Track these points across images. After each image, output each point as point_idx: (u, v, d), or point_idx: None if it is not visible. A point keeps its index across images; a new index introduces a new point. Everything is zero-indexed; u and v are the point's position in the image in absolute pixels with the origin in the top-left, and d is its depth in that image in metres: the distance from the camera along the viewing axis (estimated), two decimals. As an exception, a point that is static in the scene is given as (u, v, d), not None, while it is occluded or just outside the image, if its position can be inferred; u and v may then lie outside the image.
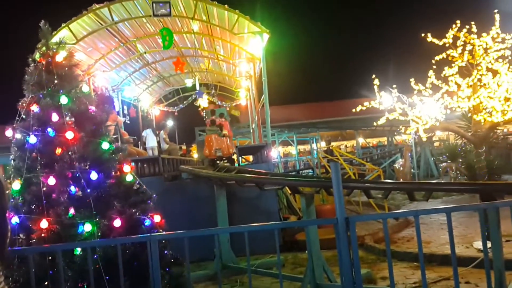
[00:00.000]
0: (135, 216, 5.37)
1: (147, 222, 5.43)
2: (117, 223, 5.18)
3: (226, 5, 13.64)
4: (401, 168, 22.86)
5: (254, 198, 12.06)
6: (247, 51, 15.87)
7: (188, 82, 20.52)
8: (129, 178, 5.67)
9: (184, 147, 25.77)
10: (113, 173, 5.58)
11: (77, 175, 5.28)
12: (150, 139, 16.42)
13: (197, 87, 20.39)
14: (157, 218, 5.64)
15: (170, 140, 19.06)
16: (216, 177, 10.52)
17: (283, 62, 32.81)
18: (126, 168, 5.68)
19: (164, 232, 5.36)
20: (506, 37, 11.29)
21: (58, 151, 5.34)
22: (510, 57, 11.62)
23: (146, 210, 5.61)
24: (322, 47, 62.66)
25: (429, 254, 9.85)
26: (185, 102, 23.48)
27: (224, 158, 14.11)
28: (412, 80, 11.82)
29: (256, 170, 10.90)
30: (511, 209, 4.08)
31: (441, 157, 24.88)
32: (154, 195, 5.91)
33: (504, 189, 5.61)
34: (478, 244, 9.96)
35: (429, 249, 10.53)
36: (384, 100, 12.47)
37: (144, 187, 5.87)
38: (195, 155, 21.91)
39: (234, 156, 14.82)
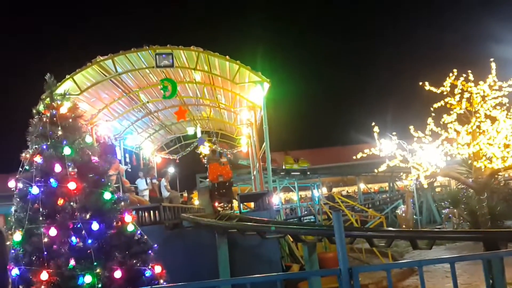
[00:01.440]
0: (136, 267, 5.34)
1: (148, 273, 5.38)
2: (117, 274, 5.14)
3: (227, 56, 13.93)
4: (404, 215, 22.73)
5: (256, 246, 11.92)
6: (248, 100, 16.09)
7: (190, 130, 20.67)
8: (130, 228, 5.66)
9: (185, 194, 25.66)
10: (114, 223, 5.58)
11: (79, 225, 5.28)
12: (140, 184, 16.45)
13: (199, 135, 20.53)
14: (158, 269, 5.60)
15: (172, 187, 19.03)
16: (218, 225, 10.46)
17: (283, 109, 33.19)
18: (128, 218, 5.68)
19: (165, 284, 5.29)
20: (503, 85, 11.48)
21: (60, 201, 5.36)
22: (508, 104, 11.78)
23: (147, 260, 5.58)
24: (322, 94, 63.44)
25: (434, 303, 9.66)
26: (186, 149, 23.58)
27: (226, 183, 15.70)
28: (411, 127, 11.97)
29: (258, 218, 10.85)
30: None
31: (443, 203, 24.73)
32: (155, 245, 5.87)
33: (508, 237, 5.59)
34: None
35: (434, 298, 10.33)
36: (384, 147, 12.55)
37: (145, 237, 5.85)
38: (196, 202, 21.82)
39: (235, 203, 14.79)
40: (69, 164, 5.51)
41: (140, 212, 12.54)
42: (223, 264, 10.60)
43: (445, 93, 11.61)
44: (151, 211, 12.82)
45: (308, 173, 31.61)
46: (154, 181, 17.40)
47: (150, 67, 14.61)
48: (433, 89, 11.75)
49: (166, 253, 6.02)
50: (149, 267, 5.50)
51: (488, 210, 12.23)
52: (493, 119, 11.34)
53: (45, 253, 5.04)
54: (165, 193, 17.09)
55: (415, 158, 11.99)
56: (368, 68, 70.12)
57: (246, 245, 11.91)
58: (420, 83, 12.10)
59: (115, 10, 68.10)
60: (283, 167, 29.35)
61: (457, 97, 11.46)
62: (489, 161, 11.19)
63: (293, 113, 45.30)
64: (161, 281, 5.54)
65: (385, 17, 75.72)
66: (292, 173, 30.50)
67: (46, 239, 5.11)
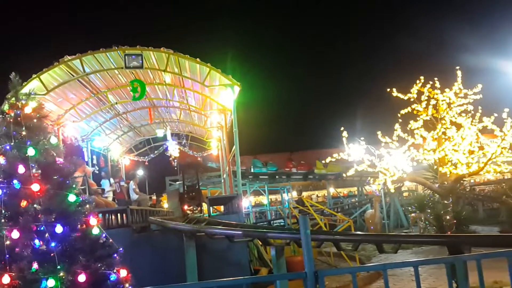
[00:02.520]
0: (100, 270, 5.24)
1: (113, 277, 5.30)
2: (81, 278, 5.04)
3: (198, 59, 13.89)
4: (371, 219, 23.03)
5: (224, 250, 11.88)
6: (219, 103, 16.06)
7: (159, 132, 20.51)
8: (95, 231, 5.57)
9: (154, 197, 25.42)
10: (79, 226, 5.47)
11: (42, 228, 5.16)
12: (104, 184, 16.21)
13: (168, 137, 20.38)
14: (123, 273, 5.51)
15: (140, 190, 18.82)
16: (185, 229, 10.39)
17: (254, 113, 33.23)
18: (93, 220, 5.58)
19: (130, 288, 5.22)
20: (468, 93, 11.78)
21: (23, 203, 5.23)
22: (472, 112, 12.08)
23: (112, 264, 5.49)
24: (292, 99, 64.01)
25: (399, 306, 9.79)
26: (156, 152, 23.38)
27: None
28: (379, 132, 12.15)
29: (226, 221, 10.82)
30: (477, 262, 4.14)
31: (410, 208, 25.15)
32: (121, 249, 5.78)
33: (471, 241, 5.71)
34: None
35: (399, 301, 10.47)
36: (353, 152, 12.70)
37: (111, 240, 5.76)
38: (165, 205, 21.65)
39: (205, 206, 14.73)
40: (33, 165, 5.38)
41: (107, 214, 12.35)
42: (191, 267, 10.53)
43: (412, 99, 11.84)
44: (118, 214, 12.64)
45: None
46: (122, 183, 17.18)
47: (119, 68, 14.45)
48: (401, 95, 11.97)
49: (132, 257, 5.95)
50: (114, 271, 5.42)
51: (454, 215, 12.50)
52: (459, 126, 11.62)
53: (7, 256, 4.91)
54: (134, 196, 16.88)
55: (383, 163, 12.18)
56: (338, 74, 71.04)
57: (214, 248, 11.86)
58: (388, 90, 12.31)
59: (84, 10, 67.17)
60: (252, 170, 29.49)
61: (424, 104, 11.72)
62: (454, 167, 11.45)
63: (263, 117, 45.52)
64: (127, 285, 5.46)
65: (357, 25, 76.85)
66: (261, 177, 30.70)
67: (8, 242, 4.98)
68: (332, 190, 42.82)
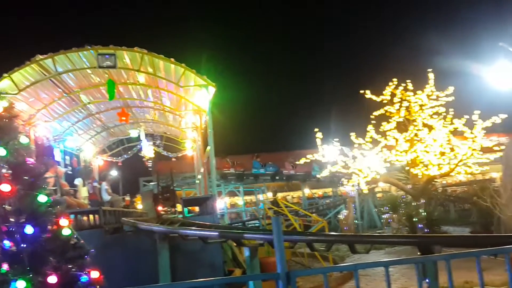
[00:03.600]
0: (71, 272, 5.17)
1: (84, 279, 5.23)
2: (52, 279, 4.97)
3: (172, 59, 13.80)
4: (345, 219, 23.24)
5: (198, 251, 11.82)
6: (193, 103, 15.99)
7: (133, 133, 20.31)
8: (66, 232, 5.48)
9: (127, 198, 25.16)
10: (49, 227, 5.39)
11: (12, 229, 5.06)
12: (83, 189, 15.97)
13: (142, 138, 20.21)
14: (94, 274, 5.45)
15: (114, 191, 18.59)
16: (158, 230, 10.31)
17: (229, 114, 33.08)
18: (63, 221, 5.50)
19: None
20: (440, 95, 12.02)
21: (-7, 204, 5.13)
22: (444, 114, 12.32)
23: (83, 265, 5.42)
24: (268, 100, 64.01)
25: (372, 306, 9.88)
26: (129, 152, 23.15)
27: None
28: (353, 134, 12.30)
29: (200, 222, 10.78)
30: (447, 262, 4.20)
31: (383, 208, 25.44)
32: (92, 250, 5.72)
33: (441, 242, 5.81)
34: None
35: (372, 301, 10.56)
36: (327, 153, 12.83)
37: (82, 241, 5.68)
38: (139, 206, 21.42)
39: (179, 207, 14.64)
40: (3, 165, 5.28)
41: (79, 215, 12.17)
42: (164, 269, 10.46)
43: (385, 101, 12.04)
44: (91, 215, 12.47)
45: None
46: (95, 184, 16.95)
47: (92, 68, 14.27)
48: (374, 97, 12.16)
49: (105, 258, 5.87)
50: (85, 272, 5.35)
51: (426, 216, 12.73)
52: (430, 128, 11.85)
53: (-24, 257, 4.81)
54: (106, 197, 16.65)
55: (356, 164, 12.32)
56: (313, 76, 71.44)
57: (188, 250, 11.79)
58: (361, 91, 12.49)
59: (58, 9, 66.14)
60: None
61: (397, 106, 11.93)
62: (426, 168, 11.67)
63: (239, 118, 45.40)
64: (98, 287, 5.40)
65: (330, 26, 77.45)
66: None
67: (-24, 243, 4.87)
68: (307, 191, 43.04)
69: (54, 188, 12.41)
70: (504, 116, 11.72)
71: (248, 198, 39.47)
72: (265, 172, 32.05)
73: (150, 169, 22.92)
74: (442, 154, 11.73)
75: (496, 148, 12.84)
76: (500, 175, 18.72)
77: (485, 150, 12.25)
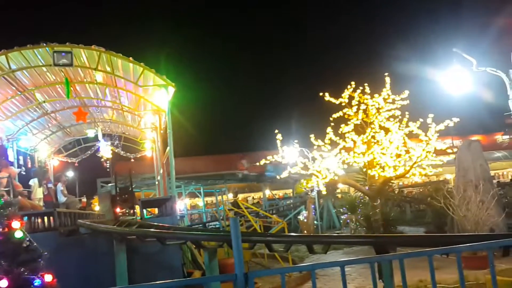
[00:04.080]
0: (23, 275, 5.04)
1: (37, 282, 5.11)
2: (3, 283, 4.85)
3: (131, 58, 13.60)
4: (305, 220, 23.45)
5: (157, 253, 11.70)
6: (153, 103, 15.81)
7: (90, 132, 19.92)
8: (18, 234, 5.34)
9: (84, 199, 24.63)
10: (0, 229, 5.23)
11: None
12: (38, 190, 15.55)
13: (100, 138, 19.83)
14: (48, 278, 5.33)
15: (70, 192, 18.17)
16: (115, 232, 10.14)
17: (190, 114, 32.97)
18: (15, 223, 5.35)
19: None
20: (396, 98, 12.32)
21: None
22: (400, 117, 12.63)
23: (37, 269, 5.29)
24: (227, 101, 64.02)
25: (329, 305, 10.02)
26: (86, 152, 22.70)
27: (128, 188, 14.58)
28: (312, 135, 12.45)
29: (159, 224, 10.67)
30: (400, 261, 4.30)
31: (341, 209, 25.82)
32: (46, 253, 5.58)
33: (396, 241, 5.94)
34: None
35: (329, 300, 10.70)
36: (287, 154, 12.94)
37: (35, 244, 5.54)
38: (96, 208, 21.00)
39: (137, 209, 14.43)
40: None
41: (32, 217, 11.84)
42: (121, 271, 10.31)
43: (343, 104, 12.25)
44: (45, 217, 12.16)
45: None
46: (50, 185, 16.52)
47: (47, 65, 13.89)
48: (333, 100, 12.34)
49: (59, 261, 5.73)
50: (39, 276, 5.22)
51: (382, 216, 13.01)
52: (387, 130, 12.13)
53: None
54: (61, 198, 16.25)
55: (315, 165, 12.48)
56: (273, 77, 71.93)
57: (146, 252, 11.65)
58: (321, 94, 12.64)
59: (12, 4, 64.20)
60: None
61: (355, 108, 12.15)
62: (382, 169, 11.94)
63: (199, 119, 45.24)
64: (52, 290, 5.28)
65: (292, 29, 78.15)
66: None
67: None
68: (267, 192, 43.26)
69: (6, 189, 12.03)
70: (456, 120, 12.09)
71: (209, 199, 39.37)
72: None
73: (108, 170, 22.50)
74: (398, 156, 12.01)
75: (449, 150, 13.30)
76: (453, 177, 19.35)
77: (439, 152, 12.61)
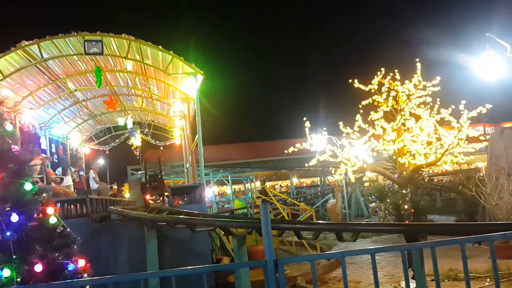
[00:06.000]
0: (57, 260, 5.16)
1: (71, 267, 5.23)
2: (38, 268, 4.96)
3: (160, 46, 13.68)
4: (333, 208, 23.35)
5: (186, 239, 11.85)
6: (181, 91, 15.89)
7: (121, 121, 20.15)
8: (52, 220, 5.47)
9: (115, 186, 25.05)
10: (35, 215, 5.36)
11: (-3, 217, 5.03)
12: (65, 179, 15.81)
13: (130, 126, 20.06)
14: (81, 263, 5.45)
15: (101, 179, 18.50)
16: (146, 218, 10.29)
17: (218, 102, 33.10)
18: (50, 210, 5.47)
19: (87, 278, 5.15)
20: (427, 85, 12.09)
21: (-23, 192, 5.09)
22: (431, 103, 12.41)
23: (70, 254, 5.42)
24: (255, 89, 63.88)
25: (358, 293, 9.99)
26: (117, 140, 23.01)
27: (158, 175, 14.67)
28: (341, 123, 12.36)
29: (188, 211, 10.78)
30: (432, 250, 4.25)
31: (370, 197, 25.61)
32: (79, 238, 5.71)
33: (427, 229, 5.86)
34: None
35: (358, 288, 10.67)
36: (315, 142, 12.87)
37: (69, 229, 5.67)
38: (127, 195, 21.33)
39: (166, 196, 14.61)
40: (-13, 153, 5.23)
41: (65, 204, 12.11)
42: (152, 257, 10.47)
43: (373, 91, 12.10)
44: (78, 204, 12.41)
45: None
46: (82, 173, 16.85)
47: (78, 54, 14.08)
48: (362, 86, 12.19)
49: (92, 247, 5.88)
50: (72, 260, 5.34)
51: (412, 205, 12.86)
52: (417, 117, 11.94)
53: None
54: (93, 185, 16.58)
55: (344, 153, 12.40)
56: (301, 65, 71.43)
57: (176, 238, 11.81)
58: (350, 81, 12.49)
59: (44, -6, 65.21)
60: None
61: (384, 95, 11.99)
62: (413, 157, 11.77)
63: (227, 107, 45.35)
64: (85, 275, 5.40)
65: (320, 16, 77.28)
66: None
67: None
68: (295, 180, 43.22)
69: (40, 176, 12.31)
70: (489, 106, 11.81)
71: (236, 187, 39.58)
72: None
73: (138, 157, 22.80)
74: (429, 143, 11.81)
75: (481, 138, 13.02)
76: (485, 165, 18.95)
77: (471, 140, 12.36)
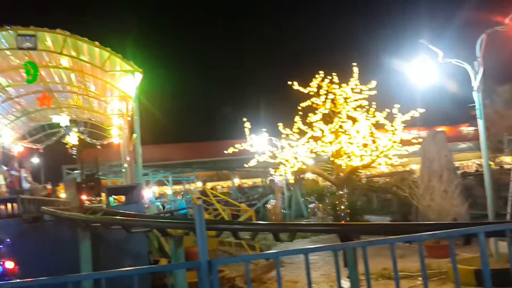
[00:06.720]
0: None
1: (-4, 269, 4.99)
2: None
3: (97, 42, 13.34)
4: (273, 209, 23.57)
5: (123, 241, 11.59)
6: (120, 89, 15.56)
7: (56, 118, 19.49)
8: (-24, 221, 5.20)
9: (49, 186, 24.17)
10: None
11: None
12: None
13: (65, 124, 19.43)
14: (9, 265, 5.22)
15: (34, 179, 17.81)
16: (80, 219, 9.99)
17: (158, 102, 32.57)
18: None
19: (12, 281, 4.92)
20: (363, 88, 12.45)
21: None
22: (367, 107, 12.78)
23: (-3, 255, 5.17)
24: (197, 89, 63.52)
25: (295, 293, 10.10)
26: (52, 138, 22.24)
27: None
28: (280, 124, 12.52)
29: (125, 211, 10.55)
30: (363, 249, 4.34)
31: (309, 198, 26.01)
32: (8, 240, 5.46)
33: (359, 229, 6.00)
34: (342, 283, 10.45)
35: (296, 288, 10.78)
36: (255, 143, 12.95)
37: (-5, 231, 5.41)
38: (62, 195, 20.64)
39: (103, 197, 14.26)
40: None
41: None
42: (86, 259, 10.17)
43: (311, 93, 12.32)
44: (7, 203, 11.91)
45: None
46: (14, 172, 16.15)
47: (11, 49, 13.53)
48: (301, 89, 12.40)
49: (22, 248, 5.61)
50: (0, 262, 5.11)
51: (348, 205, 13.18)
52: (354, 120, 12.27)
53: None
54: (25, 185, 15.93)
55: (283, 154, 12.55)
56: (242, 65, 71.62)
57: (112, 240, 11.54)
58: (289, 82, 12.67)
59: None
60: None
61: (323, 98, 12.25)
62: (349, 159, 12.09)
63: (168, 106, 44.73)
64: (13, 277, 5.18)
65: (262, 17, 77.88)
66: None
67: None
68: (236, 180, 43.28)
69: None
70: (422, 110, 12.30)
71: (177, 187, 39.18)
72: None
73: (74, 156, 22.12)
74: (365, 145, 12.17)
75: (414, 141, 13.53)
76: (419, 167, 19.68)
77: (405, 143, 12.84)
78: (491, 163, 11.91)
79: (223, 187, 47.34)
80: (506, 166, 13.68)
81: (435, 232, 4.61)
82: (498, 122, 11.35)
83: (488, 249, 9.89)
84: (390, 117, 12.25)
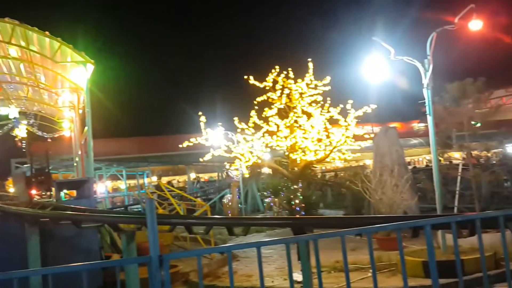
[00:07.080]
0: None
1: None
2: None
3: (47, 32, 12.89)
4: (229, 203, 23.54)
5: (74, 236, 11.32)
6: (71, 81, 15.12)
7: (3, 110, 18.80)
8: None
9: (-4, 181, 23.38)
10: None
11: None
12: None
13: (14, 116, 18.78)
14: None
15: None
16: (27, 214, 9.68)
17: (112, 94, 31.94)
18: None
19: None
20: (318, 84, 12.58)
21: None
22: (322, 102, 12.93)
23: None
24: (152, 82, 62.72)
25: (250, 287, 10.12)
26: (0, 131, 21.47)
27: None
28: (236, 118, 12.50)
29: (75, 206, 10.29)
30: (314, 242, 4.37)
31: (265, 193, 26.09)
32: None
33: (312, 223, 6.06)
34: (296, 276, 10.54)
35: (250, 282, 10.79)
36: (211, 137, 12.88)
37: None
38: (11, 190, 19.98)
39: (53, 191, 13.88)
40: None
41: None
42: (34, 256, 9.88)
43: (267, 88, 12.36)
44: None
45: None
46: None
47: (-45, 36, 12.92)
48: (257, 83, 12.41)
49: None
50: None
51: (303, 199, 13.31)
52: (309, 115, 12.39)
53: None
54: (-30, 180, 15.32)
55: (238, 148, 12.54)
56: (197, 59, 71.21)
57: (62, 235, 11.26)
58: (245, 77, 12.65)
59: None
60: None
61: (278, 93, 12.31)
62: (304, 153, 12.20)
63: (122, 99, 43.98)
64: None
65: (218, 12, 77.63)
66: None
67: None
68: (193, 175, 42.99)
69: None
70: (374, 106, 12.54)
71: (132, 182, 38.59)
72: None
73: (24, 150, 21.44)
74: (319, 140, 12.32)
75: (366, 136, 13.81)
76: (372, 162, 20.09)
77: (358, 138, 13.07)
78: (440, 158, 12.25)
79: (179, 182, 46.98)
80: (454, 162, 14.11)
81: (383, 224, 4.69)
82: (447, 119, 11.68)
83: (436, 242, 10.21)
84: (344, 113, 12.44)
